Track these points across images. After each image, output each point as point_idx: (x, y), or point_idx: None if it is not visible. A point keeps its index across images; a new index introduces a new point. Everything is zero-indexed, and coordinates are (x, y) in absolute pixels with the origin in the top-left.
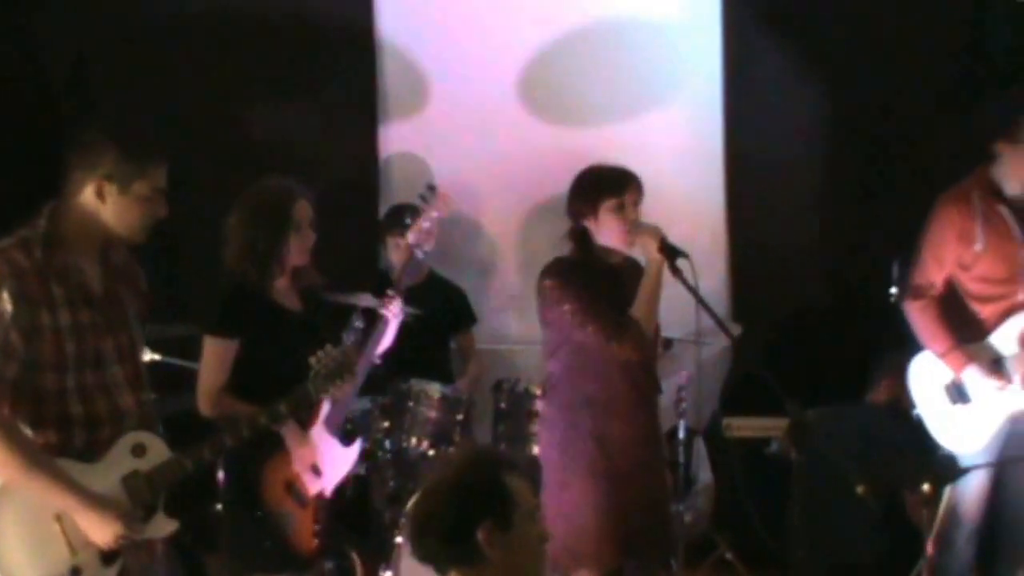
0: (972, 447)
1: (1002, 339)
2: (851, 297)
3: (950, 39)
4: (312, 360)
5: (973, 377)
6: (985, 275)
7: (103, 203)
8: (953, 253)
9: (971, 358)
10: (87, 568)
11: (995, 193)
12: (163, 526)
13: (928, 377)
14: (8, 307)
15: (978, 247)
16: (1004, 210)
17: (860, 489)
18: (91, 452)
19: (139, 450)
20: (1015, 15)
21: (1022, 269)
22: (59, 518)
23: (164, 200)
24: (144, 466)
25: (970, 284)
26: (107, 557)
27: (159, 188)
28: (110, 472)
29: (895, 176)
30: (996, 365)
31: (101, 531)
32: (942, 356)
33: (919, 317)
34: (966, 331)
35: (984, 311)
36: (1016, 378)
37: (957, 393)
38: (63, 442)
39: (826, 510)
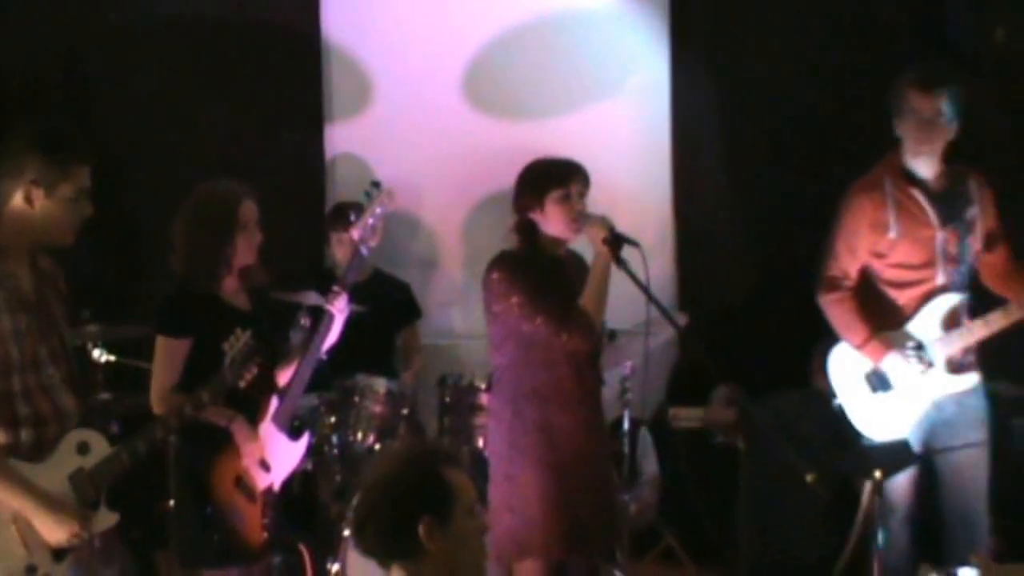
0: (895, 435)
1: (922, 324)
2: (798, 285)
3: (882, 38)
4: (225, 346)
5: (894, 364)
6: (901, 261)
7: (32, 208)
8: (866, 242)
9: (890, 346)
10: (41, 565)
11: (907, 177)
12: (107, 519)
13: (848, 366)
14: None
15: (892, 235)
16: (917, 194)
17: (809, 478)
18: (38, 451)
19: (83, 448)
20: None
21: (939, 253)
22: (15, 520)
23: (89, 200)
24: (88, 463)
25: (886, 271)
26: (58, 553)
27: (84, 188)
28: (57, 471)
29: (844, 163)
30: (917, 351)
31: (55, 531)
32: (860, 347)
33: (834, 309)
34: (884, 319)
35: (901, 297)
36: (939, 362)
37: (878, 381)
38: (13, 442)
39: (774, 500)
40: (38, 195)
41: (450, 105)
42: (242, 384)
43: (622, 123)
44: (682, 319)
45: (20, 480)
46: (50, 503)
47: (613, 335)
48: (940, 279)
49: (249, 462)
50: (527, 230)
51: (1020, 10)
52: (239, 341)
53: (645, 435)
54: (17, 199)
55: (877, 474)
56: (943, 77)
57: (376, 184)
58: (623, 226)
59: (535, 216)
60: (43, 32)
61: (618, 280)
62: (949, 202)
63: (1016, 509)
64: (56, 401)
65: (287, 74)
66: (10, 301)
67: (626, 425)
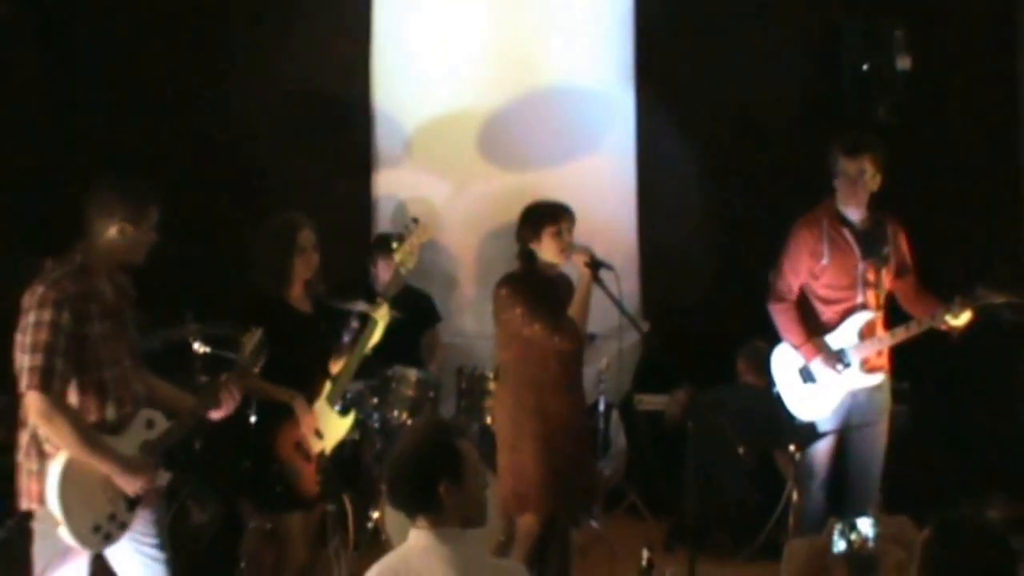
0: (820, 416)
1: (844, 333)
2: (736, 300)
3: (811, 93)
4: (243, 340)
5: (819, 364)
6: (830, 283)
7: (124, 239)
8: (805, 265)
9: (819, 348)
10: (119, 512)
11: (839, 219)
12: (162, 478)
13: (785, 363)
14: (66, 321)
15: (824, 261)
16: (846, 232)
17: (740, 450)
18: (119, 426)
19: (150, 423)
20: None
21: (860, 279)
22: (103, 479)
23: (155, 232)
24: (153, 436)
25: (819, 290)
26: (132, 503)
27: (154, 223)
28: (132, 441)
29: (768, 204)
30: (838, 354)
31: (131, 485)
32: (797, 347)
33: (779, 315)
34: (815, 327)
35: (828, 312)
36: (854, 363)
37: (808, 375)
38: (101, 419)
39: (713, 467)
40: (128, 229)
41: (468, 158)
42: (256, 370)
43: (599, 173)
44: (646, 325)
45: (107, 447)
46: (128, 464)
47: (593, 337)
48: (859, 299)
49: (306, 431)
50: (527, 256)
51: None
52: (253, 337)
53: (616, 416)
54: (112, 232)
55: (792, 448)
56: (866, 143)
57: (415, 220)
58: (600, 253)
59: (533, 246)
60: (175, 103)
61: (597, 295)
62: (870, 240)
63: (893, 472)
64: (131, 388)
65: (344, 133)
66: (100, 311)
67: (601, 407)
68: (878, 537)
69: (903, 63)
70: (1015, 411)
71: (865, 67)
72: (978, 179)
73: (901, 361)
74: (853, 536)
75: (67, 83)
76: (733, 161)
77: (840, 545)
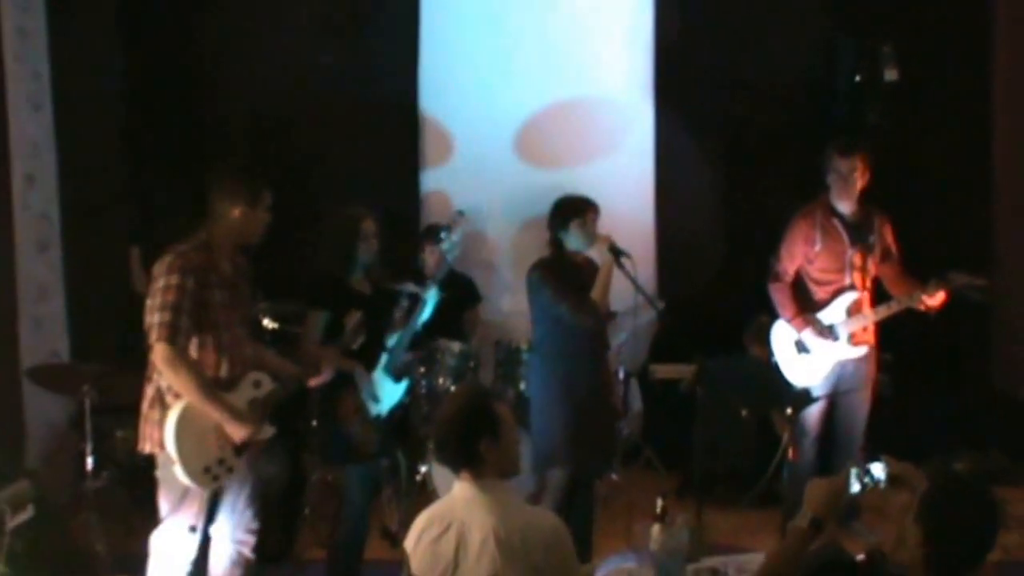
0: (812, 383)
1: (834, 310)
2: (742, 280)
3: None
4: (346, 321)
5: (811, 336)
6: (823, 267)
7: (244, 220)
8: (800, 251)
9: (810, 323)
10: (227, 456)
11: (831, 211)
12: (268, 430)
13: (783, 336)
14: (190, 285)
15: (817, 248)
16: (837, 223)
17: (743, 412)
18: (231, 383)
19: (257, 383)
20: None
21: (848, 263)
22: (215, 427)
23: (269, 213)
24: (260, 395)
25: (813, 273)
26: (238, 449)
27: (268, 206)
28: (241, 397)
29: (770, 197)
30: (828, 328)
31: (240, 434)
32: (790, 321)
33: (776, 294)
34: (809, 305)
35: (820, 291)
36: (842, 336)
37: (801, 347)
38: (216, 376)
39: (720, 427)
40: (248, 213)
41: (506, 157)
42: (354, 347)
43: (621, 172)
44: (660, 304)
45: (221, 397)
46: (238, 415)
47: (614, 314)
48: (848, 281)
49: (365, 396)
50: (556, 244)
51: (888, 100)
52: (354, 319)
53: (634, 383)
54: (235, 214)
55: (788, 410)
56: (857, 145)
57: (460, 213)
58: (621, 241)
59: (562, 235)
60: (241, 105)
61: (618, 278)
62: (859, 230)
63: (876, 433)
64: (243, 350)
65: (396, 136)
66: (219, 282)
67: (621, 376)
68: (888, 479)
69: (891, 74)
70: (981, 379)
71: (857, 78)
72: (954, 176)
73: (886, 335)
74: (866, 480)
75: (149, 102)
76: (740, 160)
77: (856, 487)
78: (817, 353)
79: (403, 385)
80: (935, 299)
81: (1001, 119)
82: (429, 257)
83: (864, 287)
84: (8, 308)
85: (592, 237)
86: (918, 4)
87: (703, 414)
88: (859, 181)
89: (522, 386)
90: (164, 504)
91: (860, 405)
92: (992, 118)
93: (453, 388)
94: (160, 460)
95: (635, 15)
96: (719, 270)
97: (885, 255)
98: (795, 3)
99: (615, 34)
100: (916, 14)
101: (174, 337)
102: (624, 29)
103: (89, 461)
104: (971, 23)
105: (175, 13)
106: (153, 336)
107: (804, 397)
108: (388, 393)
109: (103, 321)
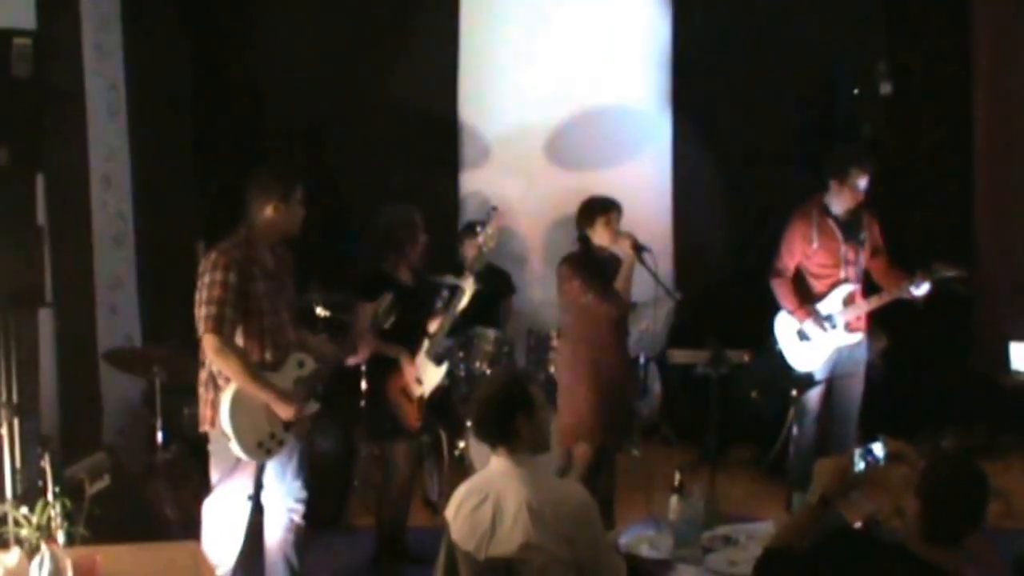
0: (813, 367)
1: (831, 302)
2: (754, 276)
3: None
4: (380, 301)
5: (811, 325)
6: (820, 262)
7: (279, 215)
8: (799, 248)
9: (810, 313)
10: (277, 431)
11: (826, 211)
12: (313, 407)
13: (785, 326)
14: (233, 280)
15: (815, 245)
16: (831, 222)
17: (754, 394)
18: (275, 365)
19: (301, 364)
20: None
21: (842, 259)
22: (264, 406)
23: (303, 207)
24: (304, 374)
25: (811, 267)
26: (287, 426)
27: (301, 200)
28: (286, 377)
29: (777, 200)
30: (826, 319)
31: (286, 411)
32: (792, 312)
33: (778, 288)
34: (809, 297)
35: (818, 285)
36: (840, 325)
37: (801, 335)
38: (261, 359)
39: (732, 406)
40: (282, 208)
41: (537, 161)
42: (387, 326)
43: (642, 175)
44: (678, 295)
45: (266, 380)
46: (283, 395)
47: (635, 305)
48: (843, 274)
49: (409, 379)
50: (583, 240)
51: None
52: (385, 300)
53: (653, 366)
54: (269, 211)
55: (793, 392)
56: (873, 161)
57: (494, 208)
58: (642, 238)
59: (588, 232)
60: (296, 113)
61: (638, 271)
62: (851, 228)
63: (872, 410)
64: (286, 334)
65: (438, 141)
66: (261, 273)
67: (642, 360)
68: (887, 458)
69: (885, 89)
70: (964, 363)
71: (855, 91)
72: (941, 180)
73: (878, 323)
74: (869, 458)
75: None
76: (749, 166)
77: (860, 465)
78: (817, 341)
79: (443, 368)
80: (921, 289)
81: (982, 129)
82: (468, 251)
83: (857, 279)
84: (87, 297)
85: (616, 234)
86: (909, 24)
87: (716, 395)
88: (863, 192)
89: (551, 369)
90: (215, 475)
91: (855, 388)
92: (974, 128)
93: (489, 371)
94: (212, 435)
95: (655, 33)
96: (731, 264)
97: (874, 250)
98: (800, 23)
99: (637, 50)
100: (907, 33)
101: (220, 327)
102: (645, 46)
103: (160, 435)
104: (956, 42)
105: (236, 30)
106: (202, 328)
107: (807, 380)
108: (431, 376)
109: (171, 308)
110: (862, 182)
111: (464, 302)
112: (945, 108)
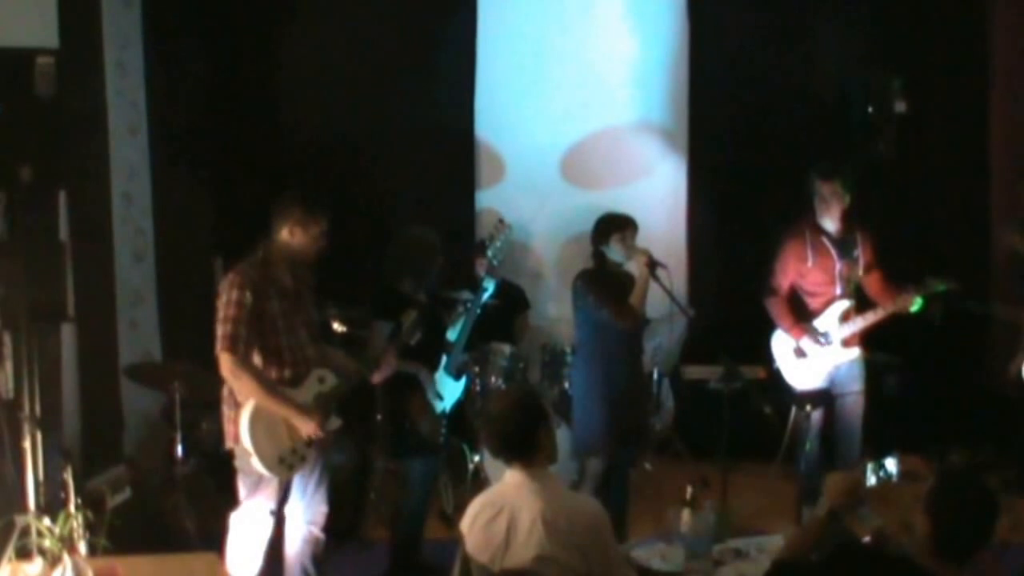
0: (811, 384)
1: (826, 319)
2: (763, 294)
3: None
4: (402, 319)
5: (807, 342)
6: (815, 280)
7: (293, 239)
8: (793, 267)
9: (806, 331)
10: (298, 447)
11: (819, 229)
12: (334, 423)
13: (782, 344)
14: (248, 299)
15: (809, 263)
16: (825, 239)
17: (767, 409)
18: (295, 381)
19: (321, 379)
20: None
21: (837, 276)
22: (284, 421)
23: (326, 239)
24: (324, 389)
25: (806, 285)
26: (308, 442)
27: (323, 231)
28: (307, 393)
29: (792, 219)
30: (823, 335)
31: (306, 428)
32: (788, 330)
33: (772, 307)
34: (805, 314)
35: (813, 303)
36: (836, 342)
37: (800, 353)
38: (280, 376)
39: (743, 421)
40: (297, 232)
41: (552, 179)
42: (412, 342)
43: (657, 192)
44: (691, 312)
45: (284, 396)
46: (304, 411)
47: (649, 321)
48: (838, 292)
49: (430, 393)
50: (598, 257)
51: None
52: (410, 318)
53: (666, 382)
54: (285, 233)
55: (808, 407)
56: (836, 170)
57: (501, 220)
58: (656, 255)
59: (603, 248)
60: (315, 131)
61: (653, 288)
62: (845, 245)
63: (887, 429)
64: (306, 351)
65: (454, 159)
66: (278, 293)
67: (655, 376)
68: (899, 474)
69: (900, 106)
70: (976, 380)
71: (870, 109)
72: (956, 198)
73: (895, 340)
74: (881, 473)
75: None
76: (764, 185)
77: (871, 480)
78: (815, 357)
79: (462, 382)
80: (914, 304)
81: (998, 148)
82: (481, 268)
83: (851, 296)
84: (107, 312)
85: (631, 250)
86: (924, 41)
87: (728, 410)
88: (840, 203)
89: (566, 384)
90: (242, 490)
91: (856, 404)
92: (990, 145)
93: (504, 386)
94: (237, 452)
95: (671, 52)
96: (745, 282)
97: (868, 267)
98: (815, 42)
99: (652, 69)
100: (923, 50)
101: (234, 346)
102: (661, 65)
103: (179, 449)
104: (971, 59)
105: (255, 49)
106: (218, 347)
107: (822, 397)
108: (450, 391)
109: (191, 324)
110: (826, 190)
111: (485, 296)
112: (960, 126)
